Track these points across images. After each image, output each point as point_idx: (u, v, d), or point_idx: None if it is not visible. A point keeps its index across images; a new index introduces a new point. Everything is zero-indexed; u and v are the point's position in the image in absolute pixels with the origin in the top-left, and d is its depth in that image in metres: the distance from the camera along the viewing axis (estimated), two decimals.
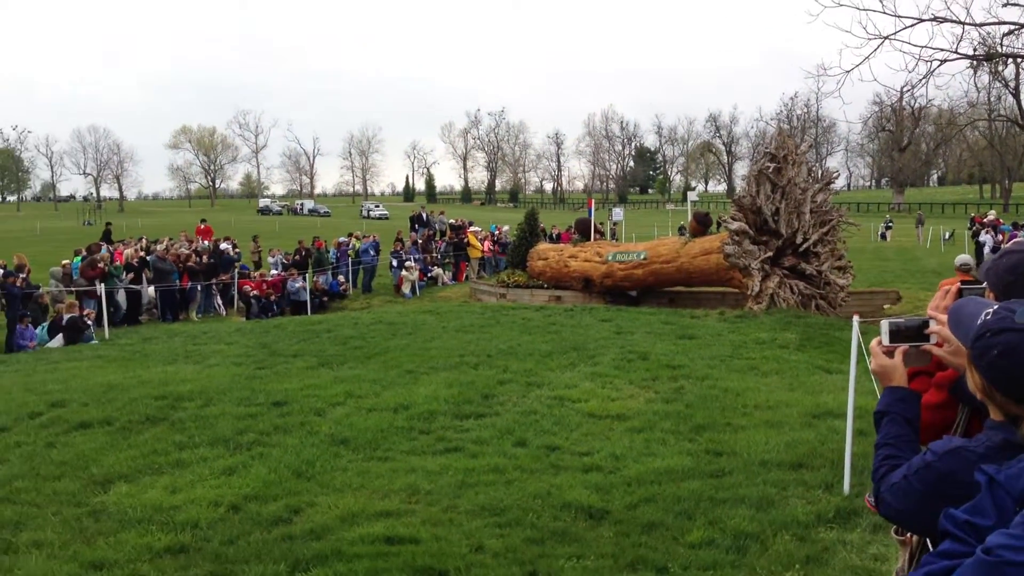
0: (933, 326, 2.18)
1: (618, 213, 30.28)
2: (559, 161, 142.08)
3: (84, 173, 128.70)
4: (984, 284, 2.21)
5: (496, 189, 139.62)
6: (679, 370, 10.46)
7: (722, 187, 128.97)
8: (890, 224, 52.87)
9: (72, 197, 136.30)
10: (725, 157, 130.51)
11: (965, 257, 11.01)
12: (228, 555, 5.13)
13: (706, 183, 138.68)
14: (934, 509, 1.58)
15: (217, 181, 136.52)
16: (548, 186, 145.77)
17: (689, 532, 5.33)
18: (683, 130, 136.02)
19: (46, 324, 17.28)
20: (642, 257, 18.42)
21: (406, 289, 25.00)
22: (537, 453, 7.08)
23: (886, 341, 2.24)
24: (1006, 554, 1.16)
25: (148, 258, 21.53)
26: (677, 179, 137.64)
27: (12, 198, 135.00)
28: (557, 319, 15.67)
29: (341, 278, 25.42)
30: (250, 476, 6.61)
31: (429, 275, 27.05)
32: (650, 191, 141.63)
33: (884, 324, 2.26)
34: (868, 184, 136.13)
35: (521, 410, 8.57)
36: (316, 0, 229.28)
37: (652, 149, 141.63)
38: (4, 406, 9.46)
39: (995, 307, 1.77)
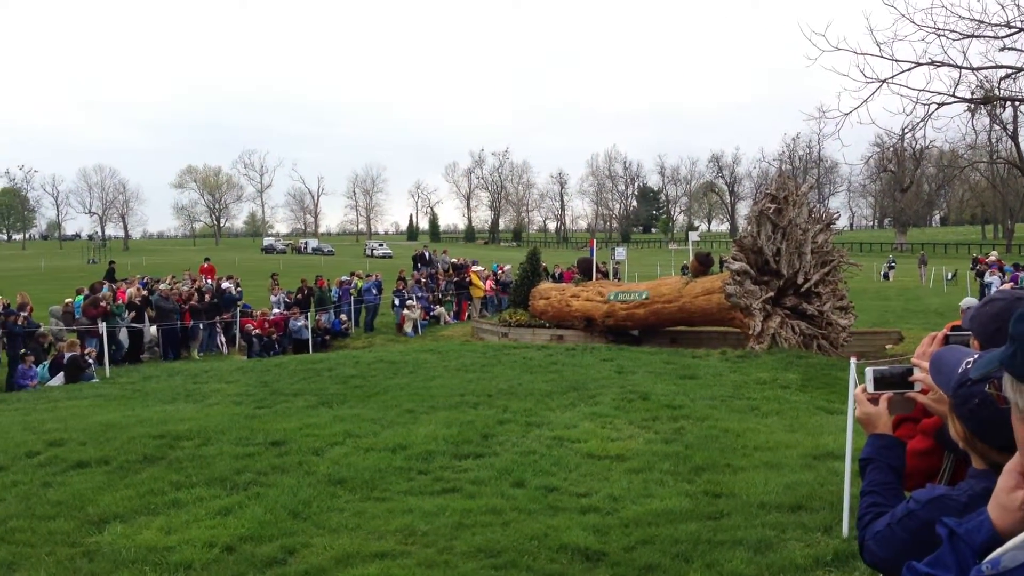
0: (917, 373, 2.18)
1: (620, 252, 30.29)
2: (562, 200, 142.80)
3: (90, 212, 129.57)
4: (970, 332, 2.21)
5: (500, 228, 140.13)
6: (679, 410, 10.42)
7: (725, 227, 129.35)
8: (893, 264, 52.89)
9: (78, 236, 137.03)
10: (728, 197, 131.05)
11: (971, 300, 11.02)
12: None
13: (709, 223, 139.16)
14: (917, 557, 1.58)
15: (222, 220, 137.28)
16: (551, 225, 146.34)
17: (686, 575, 5.28)
18: (686, 170, 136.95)
19: (47, 362, 17.28)
20: (644, 297, 18.44)
21: (408, 328, 24.99)
22: (535, 494, 7.04)
23: (871, 388, 2.24)
24: None
25: (151, 297, 21.59)
26: (680, 219, 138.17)
27: (18, 236, 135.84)
28: (558, 358, 15.65)
29: (343, 317, 25.43)
30: (246, 516, 6.57)
31: (432, 314, 27.06)
32: (653, 230, 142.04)
33: (868, 371, 2.26)
34: (871, 224, 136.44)
35: (520, 450, 8.53)
36: (321, 41, 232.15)
37: (655, 189, 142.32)
38: (2, 445, 9.44)
39: (976, 356, 1.78)
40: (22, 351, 16.95)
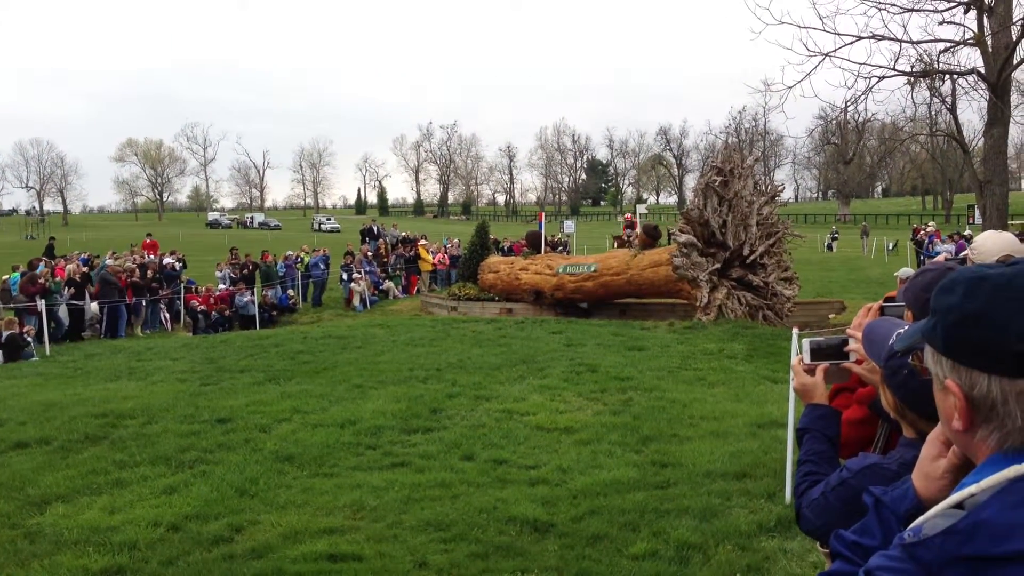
0: (852, 344, 2.21)
1: (569, 225, 30.51)
2: (511, 174, 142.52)
3: (26, 187, 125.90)
4: (903, 303, 2.25)
5: (449, 202, 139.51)
6: (628, 382, 10.52)
7: (673, 199, 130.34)
8: (836, 235, 53.88)
9: (14, 211, 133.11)
10: (676, 170, 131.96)
11: (908, 270, 11.24)
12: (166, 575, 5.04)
13: (657, 195, 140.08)
14: (849, 525, 1.61)
15: (165, 194, 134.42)
16: (501, 199, 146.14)
17: (633, 544, 5.35)
18: (634, 143, 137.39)
19: None
20: (592, 270, 18.53)
21: (356, 302, 24.82)
22: (484, 467, 7.06)
23: (807, 359, 2.27)
24: (883, 575, 1.18)
25: (92, 273, 21.13)
26: (629, 191, 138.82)
27: None
28: (508, 332, 15.67)
29: (291, 292, 25.16)
30: (191, 495, 6.49)
31: (380, 288, 26.90)
32: (602, 203, 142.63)
33: (805, 343, 2.30)
34: (815, 196, 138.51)
35: (469, 424, 8.55)
36: (263, 13, 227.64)
37: (604, 162, 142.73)
38: None
39: (905, 327, 1.81)
40: None
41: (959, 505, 1.15)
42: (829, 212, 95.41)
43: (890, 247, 42.49)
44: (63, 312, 19.58)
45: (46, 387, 11.77)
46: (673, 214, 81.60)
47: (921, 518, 1.17)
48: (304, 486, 6.70)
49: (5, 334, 16.46)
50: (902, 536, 1.17)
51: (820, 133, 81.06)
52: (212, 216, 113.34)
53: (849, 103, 16.06)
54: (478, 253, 23.73)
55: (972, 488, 1.15)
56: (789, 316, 16.68)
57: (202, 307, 22.46)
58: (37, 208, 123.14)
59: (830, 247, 50.25)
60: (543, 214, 25.87)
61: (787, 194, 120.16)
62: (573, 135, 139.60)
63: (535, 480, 6.69)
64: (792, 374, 2.32)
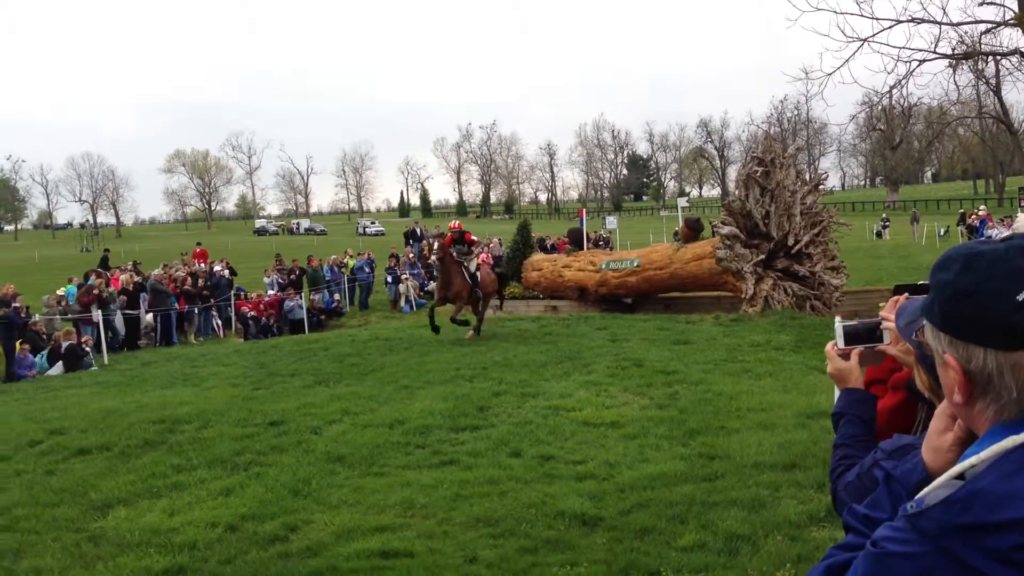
0: (885, 325, 2.23)
1: (611, 221, 30.42)
2: (552, 172, 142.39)
3: (80, 200, 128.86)
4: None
5: (491, 201, 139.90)
6: (673, 376, 10.53)
7: (716, 191, 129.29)
8: (886, 223, 53.00)
9: (69, 225, 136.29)
10: (718, 162, 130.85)
11: None
12: (225, 575, 5.19)
13: (700, 188, 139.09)
14: None
15: (212, 203, 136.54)
16: (543, 197, 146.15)
17: (681, 536, 5.39)
18: (675, 136, 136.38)
19: (45, 352, 17.33)
20: (635, 265, 18.51)
21: (402, 304, 25.07)
22: (531, 463, 7.14)
23: (841, 344, 2.28)
24: (889, 545, 1.22)
25: (146, 282, 21.62)
26: (671, 185, 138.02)
27: (9, 227, 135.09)
28: (552, 329, 15.75)
29: (337, 296, 25.49)
30: (247, 496, 6.66)
31: (425, 289, 27.12)
32: (644, 198, 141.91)
33: (838, 327, 2.30)
34: (862, 183, 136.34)
35: (516, 421, 8.63)
36: (296, 20, 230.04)
37: (644, 156, 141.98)
38: (4, 435, 9.52)
39: None
40: (18, 340, 17.00)
41: (960, 476, 1.20)
42: (877, 199, 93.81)
43: (941, 233, 41.73)
44: (119, 322, 20.07)
45: (105, 395, 12.10)
46: (716, 207, 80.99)
47: (925, 490, 1.21)
48: (355, 485, 6.83)
49: (65, 344, 16.93)
50: (905, 507, 1.22)
51: (864, 119, 79.67)
52: (259, 223, 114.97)
53: (892, 87, 15.83)
54: (521, 252, 23.82)
55: (972, 459, 1.20)
56: (838, 305, 16.50)
57: (252, 313, 22.87)
58: (91, 221, 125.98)
59: (880, 234, 49.47)
60: (584, 211, 25.85)
61: (833, 182, 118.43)
62: (612, 131, 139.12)
63: (582, 475, 6.74)
64: (827, 360, 2.33)
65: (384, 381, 11.38)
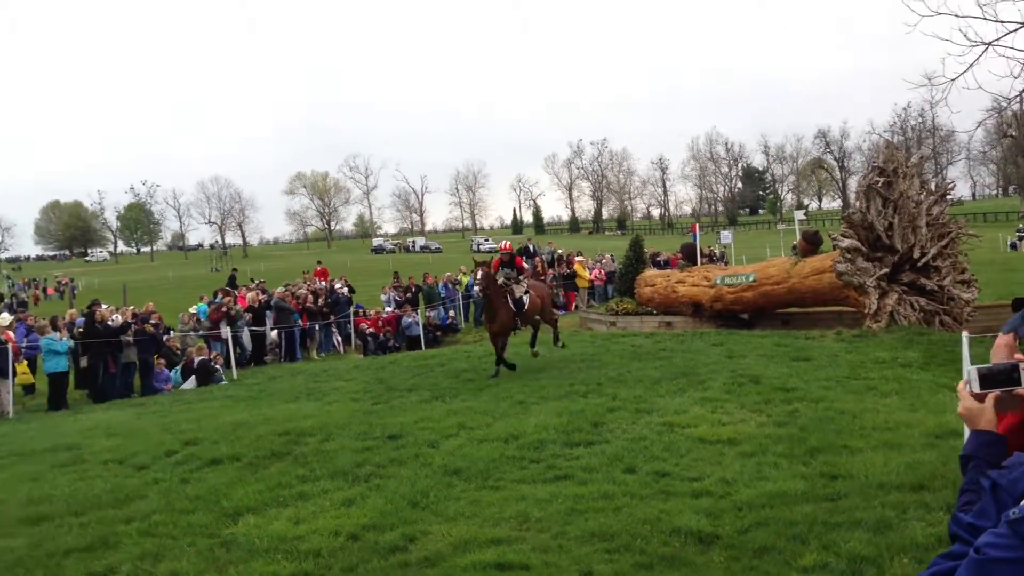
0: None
1: (726, 236, 29.87)
2: (664, 186, 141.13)
3: (209, 222, 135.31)
4: None
5: (603, 217, 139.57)
6: (793, 393, 10.28)
7: (836, 203, 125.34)
8: (1022, 233, 50.28)
9: (200, 246, 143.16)
10: (838, 172, 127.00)
11: None
12: None
13: (819, 200, 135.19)
14: None
15: (332, 223, 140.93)
16: (655, 212, 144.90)
17: (802, 556, 5.26)
18: (791, 147, 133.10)
19: (179, 367, 18.24)
20: (751, 279, 18.15)
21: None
22: (646, 479, 7.10)
23: (976, 387, 2.15)
24: (991, 551, 1.21)
25: (270, 300, 22.50)
26: (788, 198, 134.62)
27: (146, 249, 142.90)
28: (667, 345, 15.60)
29: (451, 313, 25.90)
30: (368, 507, 6.86)
31: None
32: (760, 212, 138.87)
33: (972, 370, 2.18)
34: (994, 193, 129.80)
35: (630, 437, 8.60)
36: (406, 42, 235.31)
37: (760, 169, 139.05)
38: (143, 445, 10.07)
39: None
40: (155, 355, 17.94)
41: None
42: (1011, 209, 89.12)
43: None
44: (246, 338, 20.94)
45: (235, 408, 12.64)
46: (836, 219, 78.56)
47: None
48: (472, 498, 6.94)
49: (197, 360, 17.78)
50: (1007, 514, 1.20)
51: (994, 125, 76.00)
52: (376, 242, 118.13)
53: (1021, 92, 15.07)
54: (634, 267, 23.72)
55: None
56: (969, 321, 15.75)
57: (371, 329, 23.49)
58: (220, 242, 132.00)
59: (1014, 246, 46.97)
60: (697, 225, 25.55)
61: (962, 192, 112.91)
62: (726, 143, 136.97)
63: (698, 492, 6.67)
64: (958, 397, 2.22)
65: (499, 396, 11.51)
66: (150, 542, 6.41)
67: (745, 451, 7.83)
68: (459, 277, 28.45)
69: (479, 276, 14.06)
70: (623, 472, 7.38)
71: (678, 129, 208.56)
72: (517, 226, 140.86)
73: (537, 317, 15.18)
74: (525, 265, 15.50)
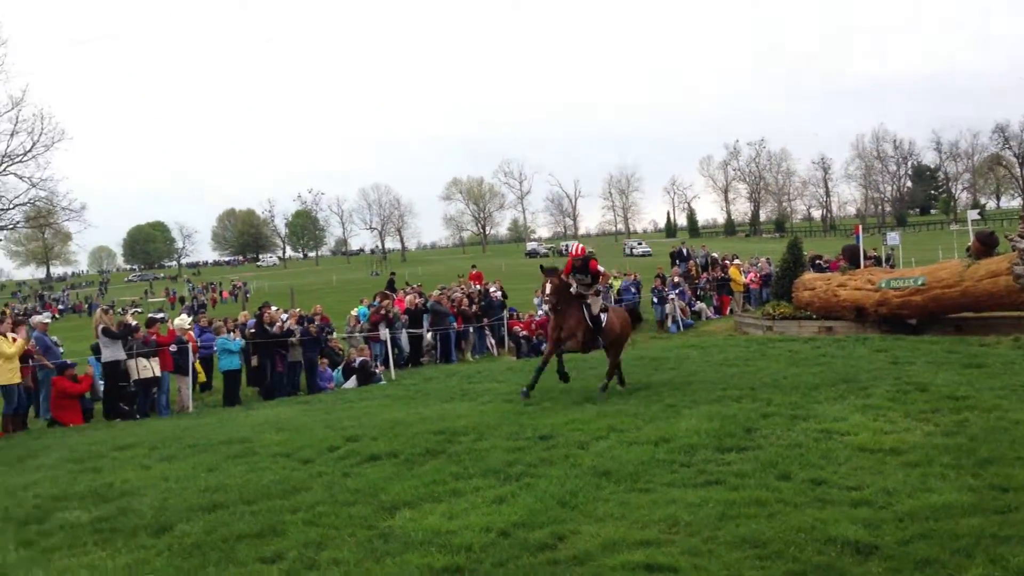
0: None
1: (893, 237, 28.49)
2: (827, 187, 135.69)
3: (370, 228, 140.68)
4: None
5: (761, 219, 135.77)
6: (963, 401, 9.73)
7: (1016, 202, 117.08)
8: None
9: (361, 250, 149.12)
10: (1018, 170, 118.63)
11: None
12: None
13: (997, 199, 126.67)
14: None
15: (487, 228, 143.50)
16: (816, 213, 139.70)
17: (967, 570, 5.00)
18: (966, 144, 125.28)
19: (341, 367, 19.07)
20: (920, 283, 17.28)
21: (669, 324, 24.99)
22: (801, 487, 6.91)
23: None
24: None
25: (427, 303, 23.19)
26: (963, 197, 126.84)
27: (312, 254, 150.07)
28: (827, 350, 15.08)
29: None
30: (518, 505, 6.98)
31: (693, 309, 26.87)
32: (932, 212, 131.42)
33: None
34: None
35: (785, 443, 8.37)
36: (558, 44, 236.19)
37: (932, 167, 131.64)
38: (308, 440, 10.60)
39: None
40: (319, 355, 18.83)
41: None
42: None
43: None
44: (404, 340, 21.65)
45: (392, 407, 13.12)
46: (1014, 219, 73.42)
47: None
48: (621, 500, 6.95)
49: (358, 360, 18.54)
50: None
51: None
52: (530, 246, 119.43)
53: None
54: (791, 270, 23.02)
55: None
56: None
57: (524, 332, 23.79)
58: (380, 246, 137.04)
59: None
60: (860, 227, 24.50)
61: None
62: (894, 141, 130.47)
63: (857, 502, 6.43)
64: None
65: (650, 399, 11.45)
66: (314, 531, 6.74)
67: (909, 461, 7.48)
68: (611, 281, 28.41)
69: (548, 290, 12.46)
70: (777, 479, 7.20)
71: (840, 127, 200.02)
72: (670, 229, 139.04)
73: (605, 342, 13.29)
74: (601, 269, 13.48)
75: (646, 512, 6.54)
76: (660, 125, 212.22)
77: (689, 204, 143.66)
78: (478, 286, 28.70)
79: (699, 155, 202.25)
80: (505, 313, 24.96)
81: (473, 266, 37.60)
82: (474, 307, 23.99)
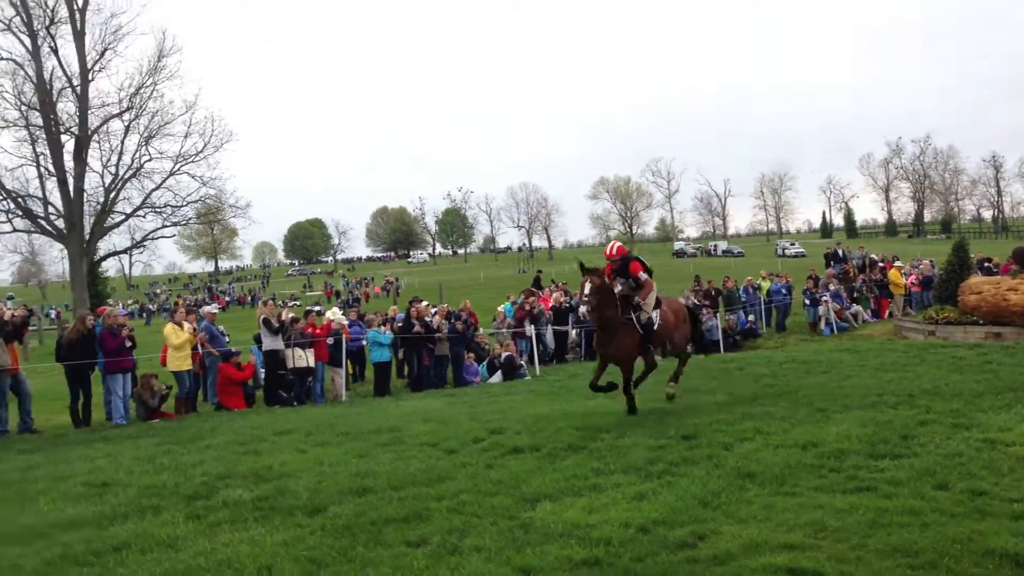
0: None
1: None
2: (998, 186, 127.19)
3: (518, 226, 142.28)
4: None
5: (925, 220, 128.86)
6: None
7: None
8: None
9: (509, 248, 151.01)
10: None
11: None
12: (637, 571, 5.49)
13: None
14: None
15: (634, 227, 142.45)
16: (987, 214, 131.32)
17: None
18: None
19: (487, 361, 19.44)
20: None
21: (822, 327, 24.16)
22: (959, 497, 6.57)
23: None
24: None
25: (571, 301, 23.30)
26: None
27: (460, 251, 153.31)
28: (993, 357, 14.24)
29: (751, 317, 25.28)
30: (659, 502, 6.96)
31: (849, 312, 25.85)
32: None
33: None
34: None
35: (944, 452, 7.98)
36: (719, 44, 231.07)
37: None
38: (454, 432, 10.89)
39: None
40: (465, 350, 19.27)
41: None
42: None
43: None
44: (549, 337, 21.84)
45: (536, 402, 13.29)
46: None
47: None
48: (765, 503, 6.81)
49: (504, 355, 18.84)
50: None
51: None
52: (678, 245, 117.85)
53: None
54: (956, 273, 21.82)
55: None
56: None
57: None
58: (527, 244, 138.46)
59: None
60: None
61: None
62: None
63: (1019, 514, 6.06)
64: None
65: (799, 403, 11.14)
66: (457, 518, 6.94)
67: None
68: (759, 282, 27.70)
69: (587, 289, 10.81)
70: (933, 488, 6.88)
71: (1015, 122, 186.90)
72: (826, 229, 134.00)
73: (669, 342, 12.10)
74: (643, 276, 11.48)
75: (791, 516, 6.39)
76: (816, 121, 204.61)
77: (847, 203, 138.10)
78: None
79: (859, 153, 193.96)
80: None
81: None
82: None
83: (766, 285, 27.45)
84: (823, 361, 15.82)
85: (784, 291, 26.57)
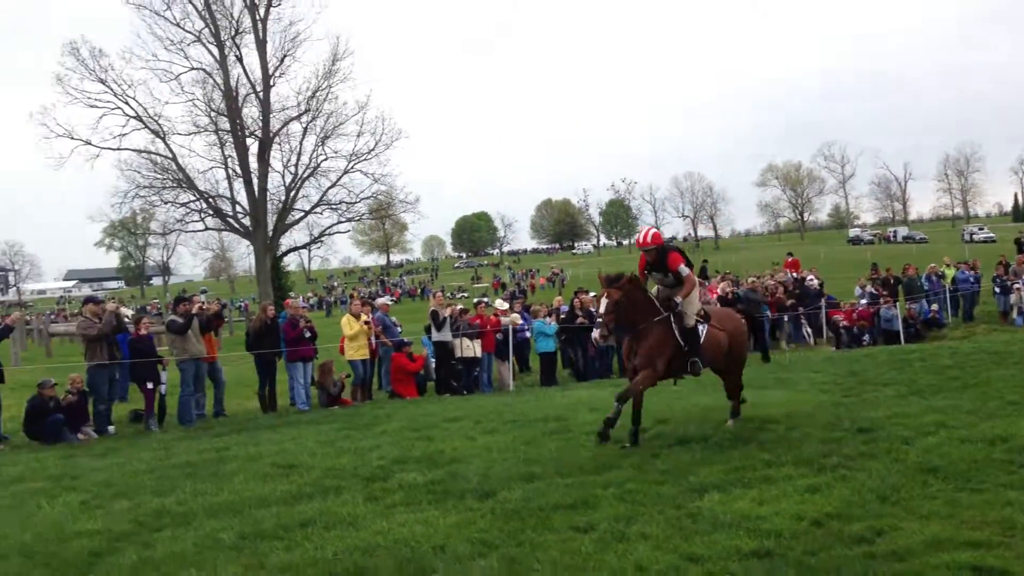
0: None
1: None
2: None
3: (683, 215, 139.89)
4: None
5: None
6: None
7: None
8: None
9: (674, 239, 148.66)
10: None
11: None
12: (810, 564, 5.36)
13: None
14: None
15: (805, 214, 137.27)
16: None
17: None
18: None
19: None
20: None
21: (1015, 316, 22.57)
22: None
23: None
24: None
25: (739, 292, 22.79)
26: None
27: (625, 241, 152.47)
28: None
29: (934, 306, 23.93)
30: (832, 496, 6.75)
31: None
32: None
33: None
34: None
35: None
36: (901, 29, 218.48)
37: None
38: (620, 421, 10.90)
39: None
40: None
41: None
42: None
43: None
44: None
45: (702, 392, 13.08)
46: None
47: None
48: (949, 498, 6.49)
49: None
50: None
51: None
52: (853, 232, 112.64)
53: None
54: None
55: None
56: None
57: (844, 322, 22.64)
58: (692, 234, 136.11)
59: None
60: None
61: None
62: None
63: None
64: None
65: (988, 395, 10.52)
66: (623, 506, 6.98)
67: None
68: (943, 270, 26.15)
69: (603, 307, 9.13)
70: None
71: None
72: (1018, 213, 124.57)
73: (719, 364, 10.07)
74: (683, 270, 9.54)
75: (977, 512, 6.08)
76: (1006, 96, 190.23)
77: None
78: (794, 274, 27.65)
79: None
80: (823, 302, 23.87)
81: (789, 253, 36.11)
82: (787, 295, 23.21)
83: (951, 273, 25.89)
84: (1015, 352, 14.80)
85: (972, 279, 25.00)
